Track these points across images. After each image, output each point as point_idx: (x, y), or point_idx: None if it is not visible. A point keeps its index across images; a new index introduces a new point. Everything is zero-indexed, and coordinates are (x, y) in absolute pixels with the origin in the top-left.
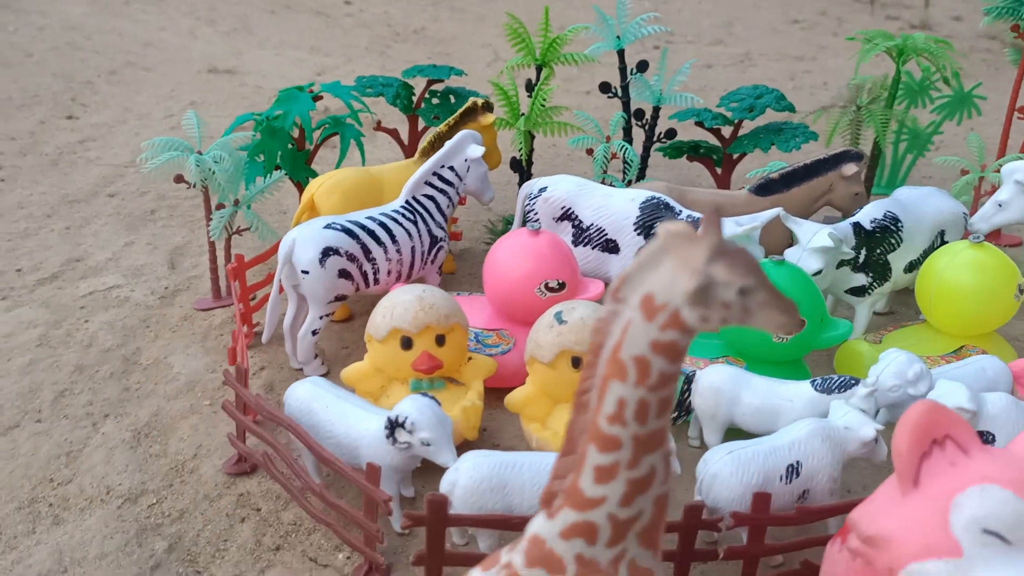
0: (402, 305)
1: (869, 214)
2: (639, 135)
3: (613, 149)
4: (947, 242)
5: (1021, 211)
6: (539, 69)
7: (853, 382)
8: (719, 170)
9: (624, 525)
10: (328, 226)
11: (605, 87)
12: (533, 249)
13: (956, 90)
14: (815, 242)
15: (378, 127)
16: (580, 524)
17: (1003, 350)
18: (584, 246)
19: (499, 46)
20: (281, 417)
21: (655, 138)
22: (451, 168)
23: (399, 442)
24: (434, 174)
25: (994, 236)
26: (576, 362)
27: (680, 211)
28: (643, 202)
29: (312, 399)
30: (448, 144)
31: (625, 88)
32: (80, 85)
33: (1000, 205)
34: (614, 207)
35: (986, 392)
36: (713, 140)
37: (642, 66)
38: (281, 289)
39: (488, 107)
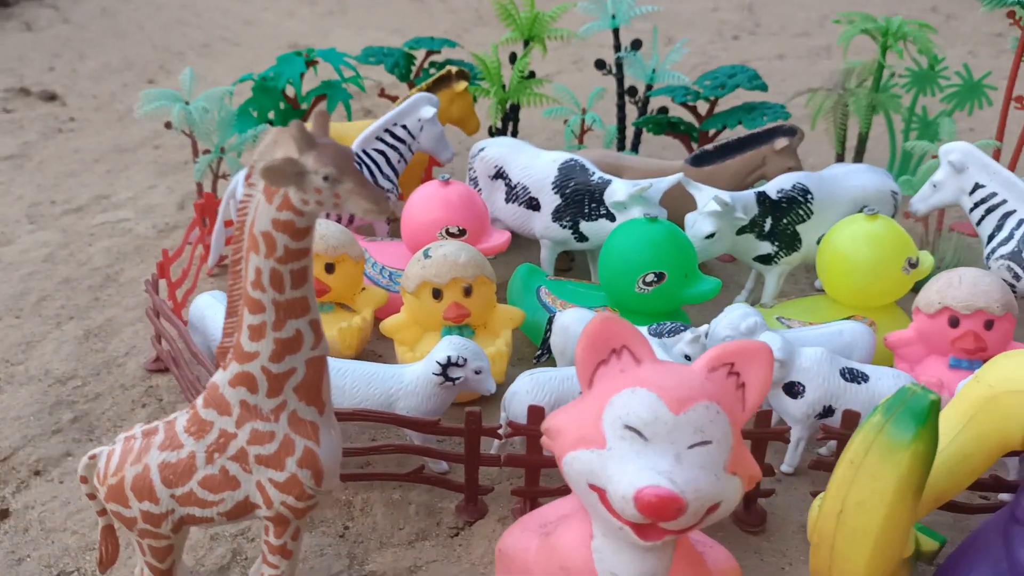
0: None
1: (777, 185)
2: (633, 112)
3: (590, 123)
4: None
5: (954, 192)
6: (526, 43)
7: (682, 328)
8: (696, 146)
9: (278, 379)
10: None
11: (600, 64)
12: (441, 198)
13: (965, 79)
14: (707, 207)
15: (381, 94)
16: (242, 374)
17: (900, 322)
18: (512, 203)
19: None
20: (174, 320)
21: (647, 114)
22: (404, 127)
23: None
24: (386, 131)
25: None
26: (436, 293)
27: (593, 172)
28: (562, 163)
29: (206, 307)
30: (402, 104)
31: (619, 65)
32: (171, 55)
33: (935, 186)
34: (537, 167)
35: (839, 353)
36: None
37: (636, 45)
38: (229, 223)
39: (463, 75)
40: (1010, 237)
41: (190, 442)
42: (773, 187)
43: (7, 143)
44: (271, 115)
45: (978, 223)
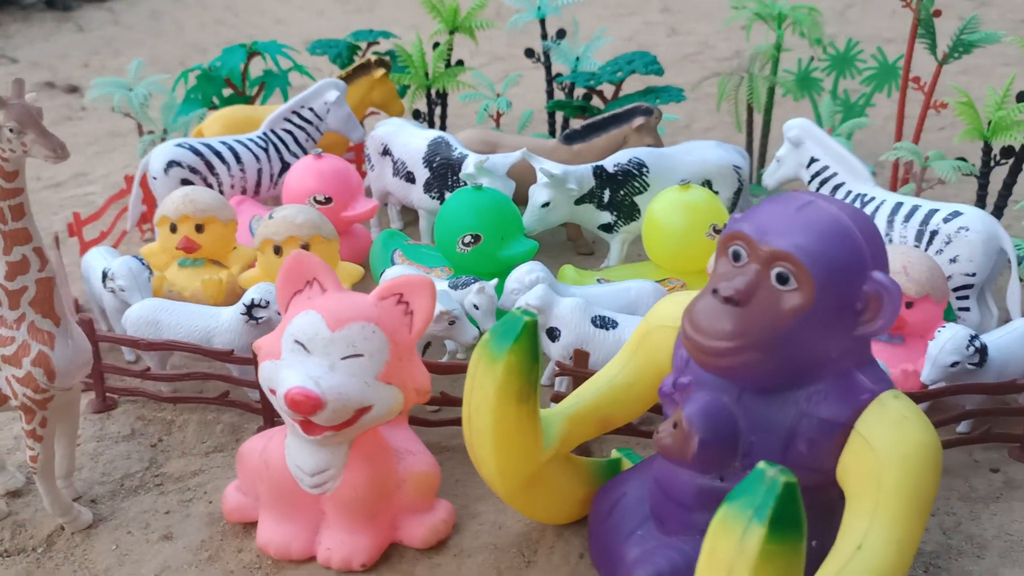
0: (171, 199)
1: (615, 159)
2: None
3: (498, 108)
4: (716, 192)
5: (794, 166)
6: (451, 33)
7: (473, 281)
8: None
9: (15, 295)
10: (179, 144)
11: (529, 52)
12: (315, 170)
13: (881, 62)
14: (539, 178)
15: None
16: None
17: None
18: (396, 177)
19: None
20: (58, 269)
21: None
22: (311, 109)
23: (107, 287)
24: (294, 112)
25: None
26: (277, 250)
27: (455, 148)
28: (430, 141)
29: (92, 260)
30: (310, 89)
31: (546, 54)
32: (197, 51)
33: (779, 161)
34: (413, 145)
35: (626, 307)
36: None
37: (560, 34)
38: (150, 197)
39: (382, 63)
40: None
41: None
42: (611, 161)
43: None
44: (215, 100)
45: None
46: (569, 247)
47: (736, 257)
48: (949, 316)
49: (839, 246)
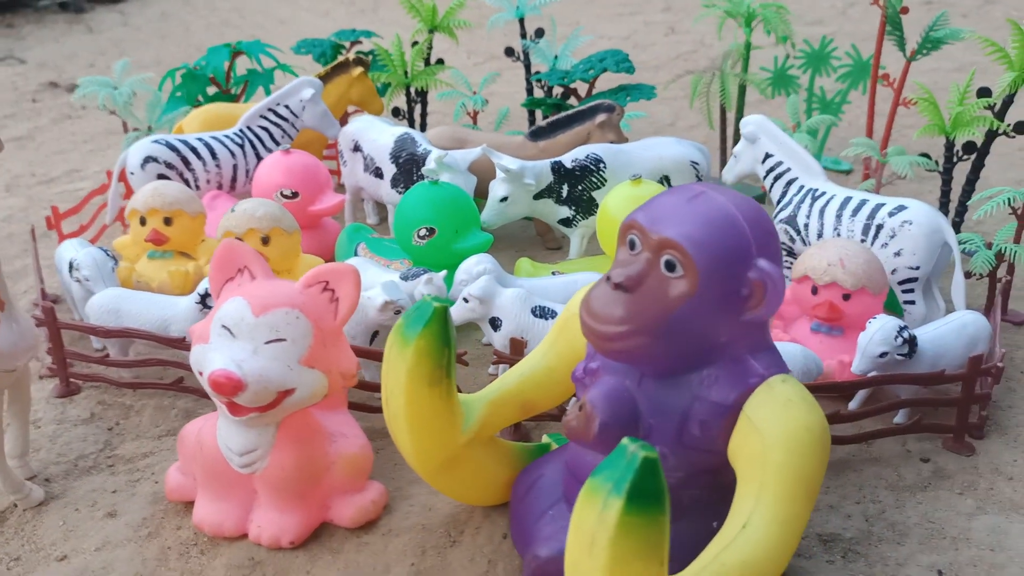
0: (141, 193)
1: (573, 155)
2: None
3: (473, 105)
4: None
5: (750, 163)
6: (431, 32)
7: (423, 272)
8: None
9: None
10: (155, 140)
11: (509, 51)
12: (283, 165)
13: (855, 59)
14: (498, 174)
15: None
16: None
17: None
18: (366, 172)
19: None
20: (36, 260)
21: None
22: (286, 106)
23: (72, 277)
24: (269, 110)
25: None
26: None
27: (420, 144)
28: (397, 137)
29: (63, 252)
30: (286, 87)
31: (525, 53)
32: (196, 52)
33: (736, 157)
34: (380, 141)
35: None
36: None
37: (539, 33)
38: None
39: (359, 62)
40: (789, 203)
41: None
42: (569, 157)
43: (21, 127)
44: (199, 98)
45: (770, 190)
46: (538, 241)
47: (632, 246)
48: (897, 309)
49: (724, 235)
